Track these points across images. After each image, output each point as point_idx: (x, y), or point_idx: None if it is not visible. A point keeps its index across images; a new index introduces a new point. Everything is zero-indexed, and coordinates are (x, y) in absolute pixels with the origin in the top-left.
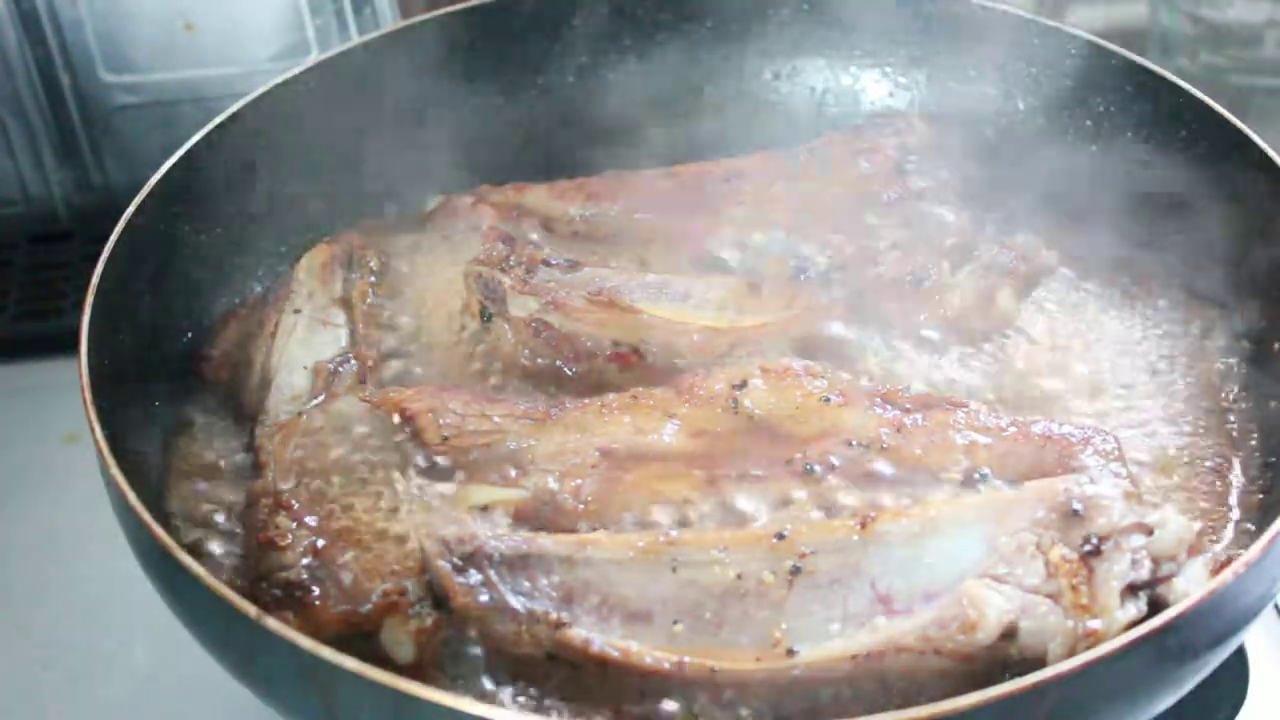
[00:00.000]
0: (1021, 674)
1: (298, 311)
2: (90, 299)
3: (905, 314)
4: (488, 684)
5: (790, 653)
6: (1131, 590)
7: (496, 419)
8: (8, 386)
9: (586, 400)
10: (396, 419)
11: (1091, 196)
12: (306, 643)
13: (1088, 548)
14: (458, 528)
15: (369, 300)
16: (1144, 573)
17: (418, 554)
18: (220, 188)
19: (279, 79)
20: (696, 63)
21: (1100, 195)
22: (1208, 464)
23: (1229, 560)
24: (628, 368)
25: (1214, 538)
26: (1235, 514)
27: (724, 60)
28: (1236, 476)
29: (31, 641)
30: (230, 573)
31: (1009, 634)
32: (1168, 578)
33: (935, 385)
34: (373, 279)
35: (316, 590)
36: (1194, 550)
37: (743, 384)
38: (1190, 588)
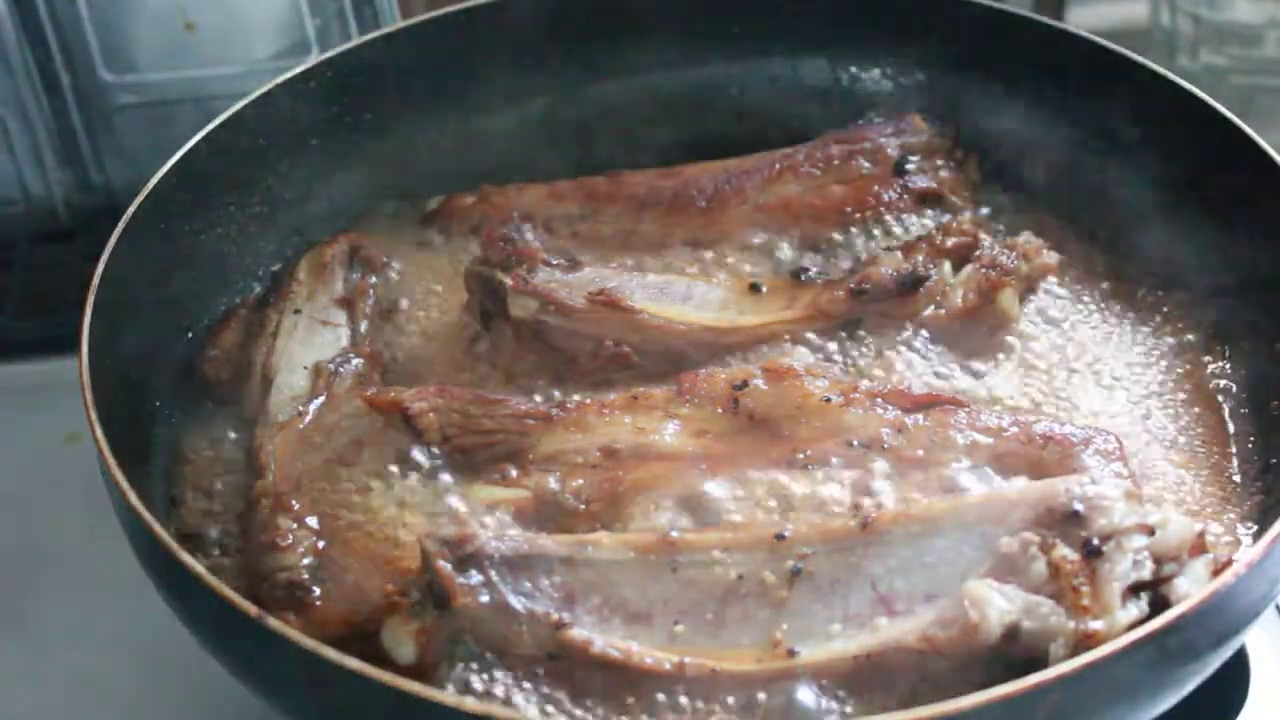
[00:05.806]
0: (1023, 674)
1: (298, 311)
2: (90, 299)
3: (906, 314)
4: (488, 684)
5: (791, 653)
6: (1133, 591)
7: (496, 419)
8: (8, 386)
9: (587, 400)
10: (397, 419)
11: (1092, 196)
12: (307, 643)
13: (1089, 548)
14: (458, 528)
15: (369, 300)
16: (1145, 573)
17: (418, 554)
18: (220, 188)
19: (280, 78)
20: (696, 63)
21: (1100, 195)
22: (1208, 465)
23: (1230, 561)
24: (628, 368)
25: (1215, 538)
26: (1235, 515)
27: (724, 60)
28: (1236, 477)
29: (31, 641)
30: (230, 573)
31: (1010, 635)
32: (1169, 578)
33: (936, 385)
34: (373, 279)
35: (317, 590)
36: (1196, 550)
37: (743, 384)
38: (1192, 588)
